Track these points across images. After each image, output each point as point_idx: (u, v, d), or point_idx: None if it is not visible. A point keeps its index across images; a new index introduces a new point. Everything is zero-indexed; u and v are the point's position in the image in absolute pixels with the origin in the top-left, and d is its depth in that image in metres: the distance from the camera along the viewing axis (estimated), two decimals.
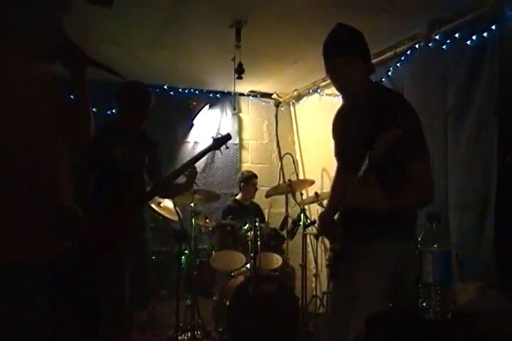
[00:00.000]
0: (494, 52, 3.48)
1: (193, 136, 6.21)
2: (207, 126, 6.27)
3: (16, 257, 1.86)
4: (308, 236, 5.04)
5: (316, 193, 5.01)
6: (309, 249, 5.38)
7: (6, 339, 1.84)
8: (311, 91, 5.97)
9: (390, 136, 1.95)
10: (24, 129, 1.92)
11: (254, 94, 6.49)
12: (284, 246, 5.05)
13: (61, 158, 2.08)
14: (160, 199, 4.68)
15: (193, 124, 6.20)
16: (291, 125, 6.70)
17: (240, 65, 4.33)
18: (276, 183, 5.74)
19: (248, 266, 4.59)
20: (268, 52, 4.63)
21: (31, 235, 1.90)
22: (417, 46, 4.19)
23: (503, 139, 3.38)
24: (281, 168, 6.16)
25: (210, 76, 5.68)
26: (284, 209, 5.46)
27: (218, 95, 6.30)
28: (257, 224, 4.61)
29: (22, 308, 1.85)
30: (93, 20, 3.91)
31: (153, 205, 4.59)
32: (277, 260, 4.72)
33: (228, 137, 3.49)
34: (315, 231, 4.96)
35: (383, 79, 4.57)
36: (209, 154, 4.06)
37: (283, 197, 5.52)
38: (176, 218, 4.32)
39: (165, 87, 5.92)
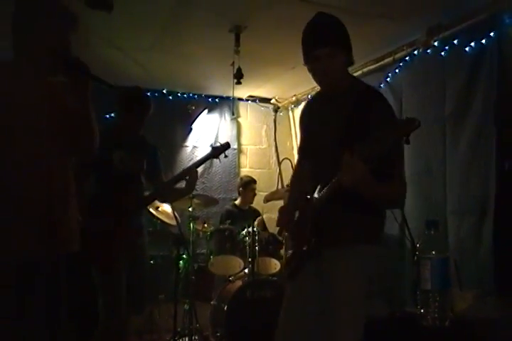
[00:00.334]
0: (493, 58, 3.48)
1: (191, 141, 6.20)
2: (205, 130, 6.27)
3: (13, 257, 1.90)
4: None
5: None
6: None
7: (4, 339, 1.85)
8: (309, 96, 5.98)
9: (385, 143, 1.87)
10: (27, 134, 1.99)
11: (252, 99, 6.49)
12: (282, 251, 5.04)
13: (65, 167, 2.14)
14: (158, 204, 4.67)
15: (191, 129, 6.19)
16: (290, 130, 6.71)
17: (239, 69, 4.34)
18: (275, 188, 5.73)
19: (246, 270, 4.58)
20: (267, 57, 4.64)
21: (27, 237, 1.94)
22: (415, 52, 4.20)
23: (502, 146, 3.39)
24: (280, 173, 6.14)
25: (209, 81, 5.69)
26: None
27: (217, 100, 6.30)
28: (255, 229, 4.61)
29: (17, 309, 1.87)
30: (93, 24, 3.91)
31: (151, 210, 4.58)
32: (275, 265, 4.72)
33: (227, 146, 3.51)
34: None
35: (382, 85, 4.58)
36: None
37: (281, 202, 5.51)
38: (174, 222, 4.31)
39: (164, 91, 5.92)
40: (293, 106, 6.59)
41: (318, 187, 2.19)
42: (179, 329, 4.42)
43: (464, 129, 3.66)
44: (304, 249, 2.24)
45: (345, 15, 3.77)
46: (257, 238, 4.58)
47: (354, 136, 2.08)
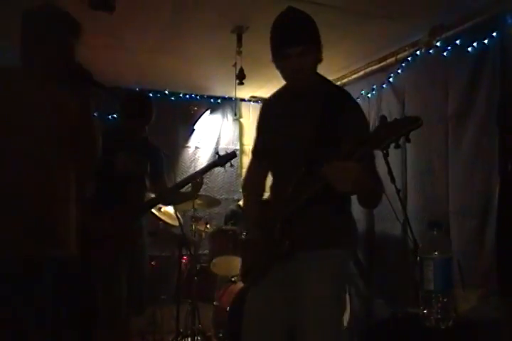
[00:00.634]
0: (495, 59, 3.48)
1: (193, 141, 6.21)
2: (208, 131, 6.27)
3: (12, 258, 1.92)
4: None
5: None
6: None
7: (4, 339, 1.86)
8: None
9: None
10: (31, 140, 2.05)
11: (255, 99, 6.49)
12: None
13: (63, 166, 2.17)
14: (161, 205, 4.68)
15: (193, 129, 6.20)
16: None
17: (241, 70, 4.34)
18: None
19: None
20: (269, 57, 4.62)
21: (27, 238, 1.97)
22: (418, 53, 4.19)
23: (505, 146, 3.38)
24: None
25: (211, 81, 5.69)
26: None
27: (219, 100, 6.30)
28: None
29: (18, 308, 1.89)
30: (94, 25, 3.91)
31: (153, 210, 4.59)
32: None
33: (233, 155, 3.57)
34: None
35: (384, 86, 4.58)
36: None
37: None
38: (176, 223, 4.32)
39: (166, 92, 5.92)
40: None
41: (290, 188, 2.10)
42: (182, 330, 4.42)
43: (467, 129, 3.66)
44: (274, 251, 2.14)
45: (347, 16, 3.81)
46: None
47: (326, 137, 2.09)
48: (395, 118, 1.77)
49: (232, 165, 3.57)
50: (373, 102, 4.75)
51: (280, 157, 2.31)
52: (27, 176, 2.04)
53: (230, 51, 4.27)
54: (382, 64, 4.66)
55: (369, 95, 4.82)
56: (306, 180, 2.01)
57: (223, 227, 5.04)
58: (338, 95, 2.25)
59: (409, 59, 4.29)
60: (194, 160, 6.16)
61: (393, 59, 4.46)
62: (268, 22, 2.21)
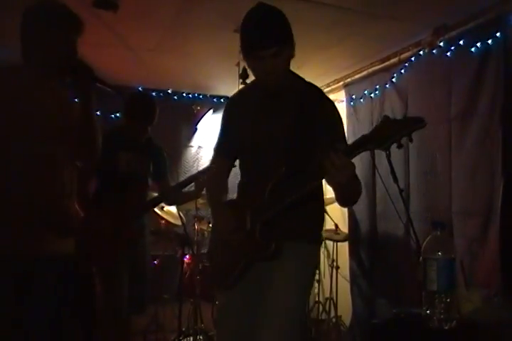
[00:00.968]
0: (499, 59, 3.47)
1: (196, 141, 6.21)
2: (210, 130, 6.27)
3: (13, 255, 1.92)
4: None
5: None
6: None
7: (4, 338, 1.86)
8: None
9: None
10: (33, 136, 2.05)
11: None
12: None
13: (65, 162, 2.18)
14: (163, 204, 4.69)
15: (196, 129, 6.20)
16: None
17: (245, 70, 4.33)
18: None
19: None
20: None
21: (29, 234, 1.98)
22: (421, 53, 4.19)
23: (508, 146, 3.38)
24: None
25: (214, 81, 5.69)
26: None
27: (222, 100, 6.29)
28: None
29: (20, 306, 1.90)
30: (98, 23, 3.92)
31: (156, 209, 4.59)
32: None
33: None
34: None
35: (387, 86, 4.58)
36: None
37: None
38: (179, 222, 4.32)
39: (169, 91, 5.93)
40: None
41: (267, 188, 2.05)
42: (184, 329, 4.42)
43: (470, 129, 3.65)
44: (258, 253, 2.08)
45: (350, 16, 3.81)
46: None
47: (302, 136, 2.07)
48: (398, 118, 1.76)
49: (234, 166, 3.58)
50: (376, 102, 4.75)
51: (252, 156, 2.27)
52: (29, 174, 2.03)
53: (233, 50, 4.23)
54: (385, 64, 4.65)
55: (372, 95, 4.81)
56: (290, 181, 1.95)
57: None
58: (312, 92, 2.21)
59: (413, 59, 4.28)
60: (197, 160, 6.16)
61: (396, 59, 4.46)
62: None
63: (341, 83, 5.37)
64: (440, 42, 3.98)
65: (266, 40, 2.00)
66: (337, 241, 5.02)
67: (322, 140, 2.06)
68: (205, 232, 5.09)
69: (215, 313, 2.34)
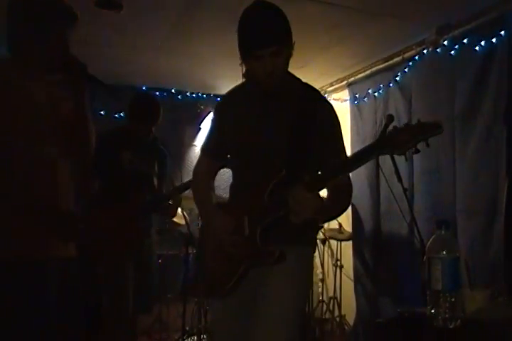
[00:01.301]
0: (503, 57, 3.47)
1: (200, 140, 6.21)
2: None
3: (17, 258, 1.89)
4: None
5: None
6: (315, 253, 5.37)
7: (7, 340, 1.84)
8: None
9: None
10: (25, 134, 1.96)
11: None
12: None
13: (63, 163, 2.11)
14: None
15: (200, 128, 6.20)
16: None
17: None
18: None
19: None
20: None
21: (32, 238, 1.93)
22: (425, 52, 4.18)
23: None
24: None
25: (217, 80, 5.69)
26: None
27: None
28: None
29: (23, 309, 1.86)
30: (102, 23, 3.93)
31: None
32: None
33: None
34: (321, 235, 4.96)
35: (391, 85, 4.57)
36: None
37: None
38: (183, 222, 4.32)
39: (173, 90, 5.93)
40: None
41: (265, 194, 1.98)
42: (188, 329, 4.43)
43: (474, 128, 3.64)
44: (261, 261, 2.00)
45: (354, 15, 3.81)
46: None
47: (300, 139, 2.03)
48: (414, 124, 1.73)
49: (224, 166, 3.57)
50: (380, 101, 4.75)
51: (247, 158, 2.17)
52: (24, 175, 1.97)
53: (237, 50, 4.26)
54: (389, 63, 4.65)
55: (376, 94, 4.81)
56: (290, 184, 1.86)
57: None
58: (310, 94, 2.16)
59: (417, 58, 4.28)
60: None
61: (400, 58, 4.45)
62: None
63: (345, 82, 5.36)
64: (444, 41, 3.97)
65: (265, 38, 1.92)
66: (341, 240, 5.02)
67: (320, 143, 2.04)
68: None
69: (211, 319, 2.24)
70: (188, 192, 3.67)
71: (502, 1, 3.47)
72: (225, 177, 6.16)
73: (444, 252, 1.65)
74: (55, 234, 2.03)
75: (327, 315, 5.08)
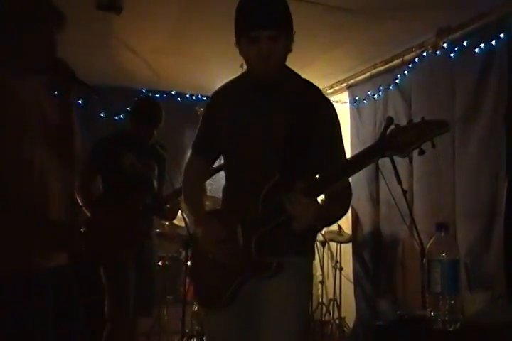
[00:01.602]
0: (502, 60, 3.47)
1: None
2: None
3: (12, 271, 1.83)
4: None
5: None
6: (315, 255, 5.37)
7: None
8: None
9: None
10: (12, 136, 1.88)
11: None
12: None
13: (52, 166, 2.03)
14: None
15: None
16: None
17: None
18: None
19: None
20: None
21: (23, 250, 1.87)
22: (424, 54, 4.18)
23: None
24: None
25: (217, 82, 5.63)
26: None
27: None
28: None
29: (21, 322, 1.82)
30: (102, 25, 3.93)
31: None
32: None
33: None
34: (321, 237, 4.96)
35: (391, 87, 4.58)
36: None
37: None
38: (182, 224, 4.32)
39: (172, 92, 5.93)
40: None
41: (261, 196, 1.85)
42: (187, 331, 4.42)
43: (474, 131, 3.65)
44: (257, 273, 1.89)
45: (354, 17, 3.81)
46: None
47: (298, 138, 1.92)
48: (417, 122, 1.60)
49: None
50: (379, 103, 4.75)
51: (240, 158, 2.04)
52: (16, 181, 1.88)
53: (237, 52, 4.26)
54: (388, 65, 4.65)
55: (375, 96, 4.81)
56: (285, 190, 1.73)
57: None
58: (310, 91, 2.03)
59: (416, 60, 4.29)
60: None
61: (400, 60, 4.46)
62: None
63: (344, 84, 5.37)
64: (444, 43, 3.98)
65: (263, 19, 1.84)
66: (341, 242, 5.02)
67: (318, 143, 1.94)
68: None
69: (206, 332, 2.15)
70: None
71: (502, 4, 3.47)
72: (223, 179, 6.20)
73: (444, 255, 1.65)
74: (48, 243, 1.96)
75: (326, 317, 5.07)
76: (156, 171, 3.63)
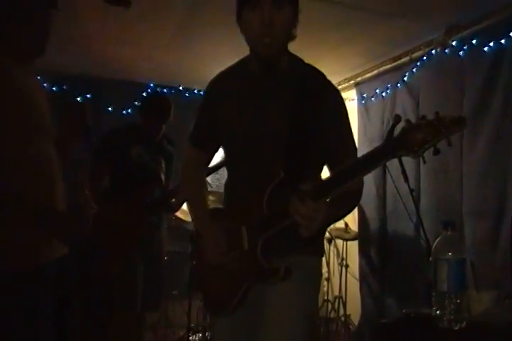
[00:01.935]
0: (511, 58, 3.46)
1: None
2: None
3: (16, 267, 1.82)
4: None
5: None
6: None
7: None
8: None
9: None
10: (17, 127, 1.86)
11: None
12: None
13: (57, 163, 2.02)
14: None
15: None
16: None
17: None
18: None
19: None
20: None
21: (30, 244, 1.86)
22: (433, 52, 4.17)
23: None
24: None
25: None
26: None
27: None
28: None
29: (25, 319, 1.82)
30: (110, 20, 3.94)
31: None
32: None
33: None
34: (327, 234, 4.96)
35: (399, 85, 4.56)
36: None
37: None
38: (188, 219, 4.33)
39: (180, 88, 5.93)
40: None
41: (265, 195, 1.72)
42: (193, 325, 4.44)
43: (482, 129, 3.63)
44: (265, 278, 1.78)
45: (362, 14, 3.80)
46: None
47: (304, 129, 1.77)
48: (431, 118, 1.45)
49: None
50: (387, 101, 4.74)
51: (242, 151, 1.90)
52: (22, 175, 1.86)
53: (244, 48, 4.26)
54: (397, 63, 4.64)
55: (383, 94, 4.80)
56: (290, 189, 1.59)
57: None
58: (315, 77, 1.89)
59: (425, 58, 4.27)
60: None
61: (408, 58, 4.44)
62: None
63: (352, 82, 5.36)
64: (452, 41, 3.96)
65: None
66: (347, 239, 5.02)
67: (325, 132, 1.80)
68: None
69: (213, 336, 2.10)
70: None
71: (511, 2, 3.45)
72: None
73: (450, 253, 1.65)
74: (55, 236, 1.94)
75: (332, 315, 5.07)
76: (163, 165, 3.65)
